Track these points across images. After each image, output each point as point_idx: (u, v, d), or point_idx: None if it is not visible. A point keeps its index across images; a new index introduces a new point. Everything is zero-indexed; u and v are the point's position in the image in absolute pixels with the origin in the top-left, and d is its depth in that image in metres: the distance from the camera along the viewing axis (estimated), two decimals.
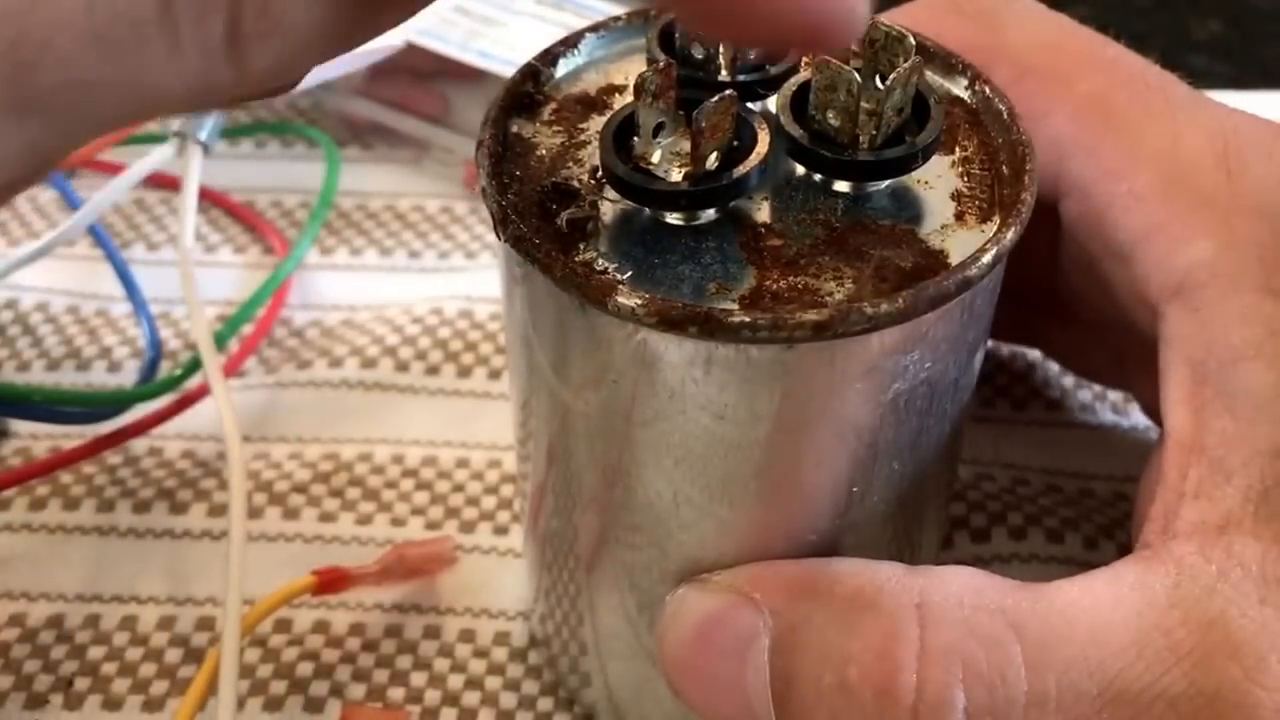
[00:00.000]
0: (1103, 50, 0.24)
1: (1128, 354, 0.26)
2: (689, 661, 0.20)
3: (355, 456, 0.30)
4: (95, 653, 0.26)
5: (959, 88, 0.22)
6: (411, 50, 0.37)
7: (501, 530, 0.28)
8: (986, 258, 0.18)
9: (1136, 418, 0.30)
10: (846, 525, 0.20)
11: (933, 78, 0.22)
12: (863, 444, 0.19)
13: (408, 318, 0.33)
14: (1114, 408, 0.31)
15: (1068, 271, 0.25)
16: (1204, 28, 0.45)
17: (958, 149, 0.21)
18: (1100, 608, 0.19)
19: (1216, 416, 0.20)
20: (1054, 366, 0.32)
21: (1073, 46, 0.24)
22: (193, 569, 0.27)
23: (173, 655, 0.26)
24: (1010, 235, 0.19)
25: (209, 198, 0.37)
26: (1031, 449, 0.30)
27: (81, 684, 0.25)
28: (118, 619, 0.26)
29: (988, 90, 0.21)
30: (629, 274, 0.18)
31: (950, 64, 0.22)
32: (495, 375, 0.32)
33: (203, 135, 0.31)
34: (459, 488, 0.29)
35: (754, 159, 0.19)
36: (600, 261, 0.19)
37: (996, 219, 0.20)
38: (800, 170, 0.20)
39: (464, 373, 0.32)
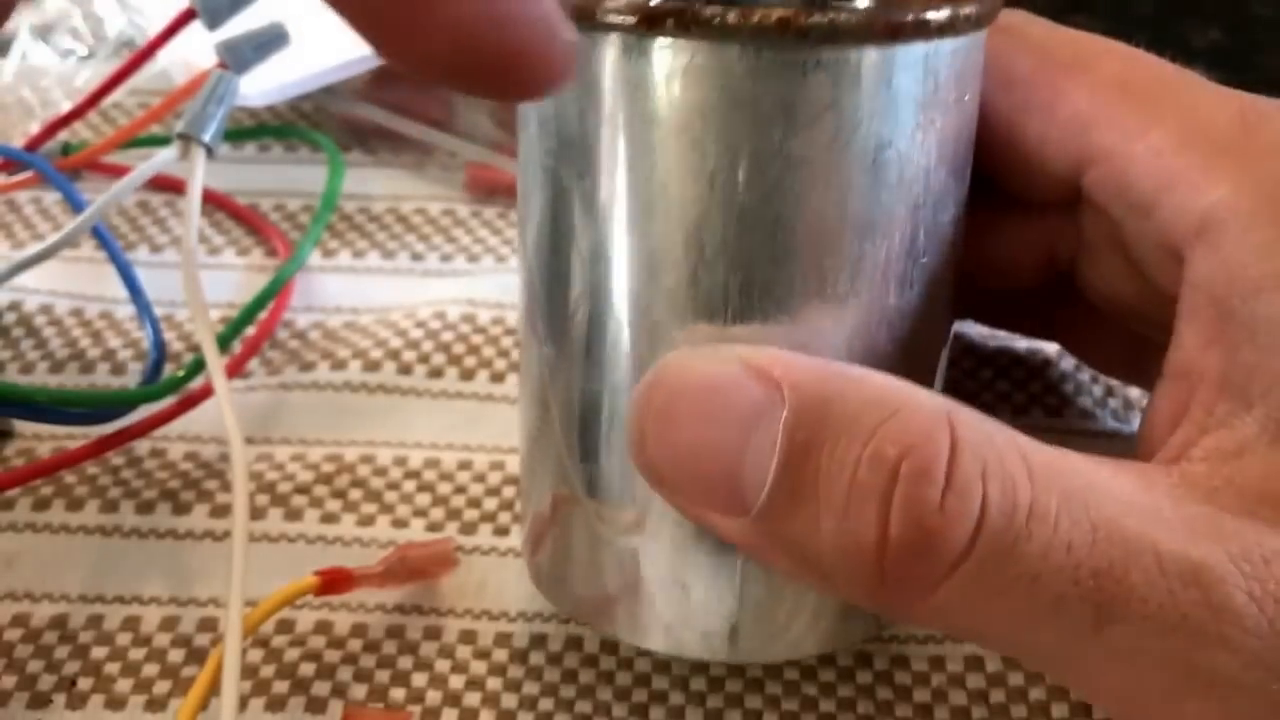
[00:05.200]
0: (1120, 46, 0.25)
1: (1145, 347, 0.26)
2: (675, 420, 0.20)
3: (358, 458, 0.30)
4: (98, 653, 0.26)
5: None
6: None
7: (503, 531, 0.28)
8: (946, 11, 0.19)
9: (1137, 424, 0.30)
10: (833, 307, 0.20)
11: None
12: (830, 197, 0.19)
13: (410, 321, 0.33)
14: (1114, 414, 0.31)
15: (1089, 256, 0.25)
16: (1204, 36, 0.46)
17: None
18: (1099, 472, 0.19)
19: (1238, 349, 0.20)
20: (1054, 373, 0.32)
21: (1091, 42, 0.25)
22: (195, 570, 0.27)
23: (175, 655, 0.26)
24: (973, 8, 0.19)
25: (212, 200, 0.37)
26: None
27: (84, 684, 0.25)
28: (120, 619, 0.26)
29: None
30: None
31: None
32: (498, 378, 0.32)
33: (207, 138, 0.31)
34: (461, 489, 0.29)
35: None
36: None
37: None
38: None
39: (467, 376, 0.32)
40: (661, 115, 0.19)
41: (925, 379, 0.22)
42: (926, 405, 0.19)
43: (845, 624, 0.23)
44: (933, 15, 0.19)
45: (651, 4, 0.19)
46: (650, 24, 0.19)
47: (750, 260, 0.20)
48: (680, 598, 0.22)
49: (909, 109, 0.20)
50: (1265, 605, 0.18)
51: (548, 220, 0.21)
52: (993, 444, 0.19)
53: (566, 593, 0.24)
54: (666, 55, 0.19)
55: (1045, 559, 0.18)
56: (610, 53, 0.19)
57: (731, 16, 0.18)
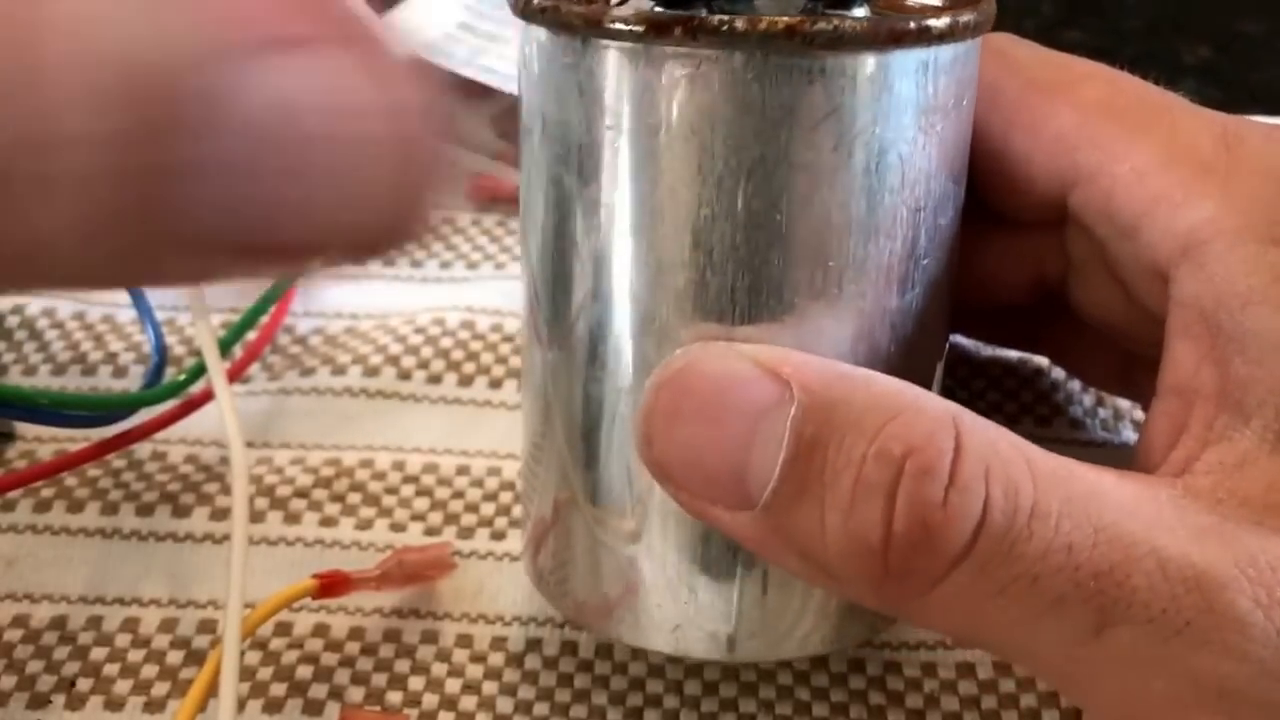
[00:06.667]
0: (1105, 69, 0.25)
1: (1134, 360, 0.26)
2: (682, 416, 0.20)
3: (357, 462, 0.30)
4: (97, 654, 0.26)
5: None
6: None
7: (500, 536, 0.29)
8: (945, 19, 0.19)
9: (1127, 434, 0.31)
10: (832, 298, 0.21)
11: None
12: (835, 200, 0.20)
13: (410, 327, 0.34)
14: (1104, 424, 0.31)
15: (1077, 274, 0.26)
16: (1194, 53, 0.46)
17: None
18: (1103, 480, 0.20)
19: (1230, 363, 0.21)
20: (1045, 382, 0.32)
21: (1076, 65, 0.25)
22: (195, 572, 0.28)
23: (174, 657, 0.26)
24: (970, 16, 0.20)
25: None
26: None
27: (84, 685, 0.25)
28: (120, 620, 0.27)
29: None
30: None
31: None
32: (496, 384, 0.32)
33: None
34: (459, 494, 0.30)
35: None
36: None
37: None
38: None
39: (465, 381, 0.32)
40: (669, 122, 0.20)
41: (925, 382, 0.23)
42: (932, 407, 0.20)
43: (844, 625, 0.24)
44: (933, 22, 0.20)
45: (657, 12, 0.19)
46: (658, 32, 0.19)
47: (757, 263, 0.20)
48: (683, 600, 0.23)
49: (910, 114, 0.20)
50: (1271, 612, 0.18)
51: (552, 226, 0.22)
52: (996, 448, 0.19)
53: (568, 596, 0.25)
54: (674, 63, 0.19)
55: (1045, 559, 0.18)
56: (617, 61, 0.20)
57: (739, 24, 0.19)
